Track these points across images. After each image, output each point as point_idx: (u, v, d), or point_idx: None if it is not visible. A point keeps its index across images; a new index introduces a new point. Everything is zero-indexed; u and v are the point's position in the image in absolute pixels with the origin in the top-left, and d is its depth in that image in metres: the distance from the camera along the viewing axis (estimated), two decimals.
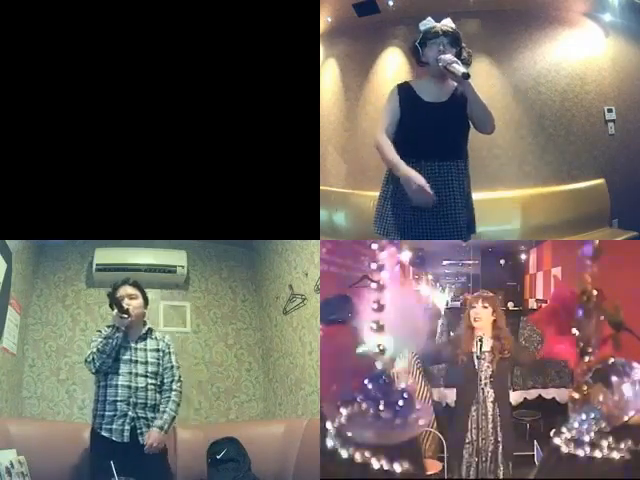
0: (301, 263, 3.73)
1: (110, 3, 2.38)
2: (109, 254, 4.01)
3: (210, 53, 2.43)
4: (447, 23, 2.45)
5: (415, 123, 2.44)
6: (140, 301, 2.75)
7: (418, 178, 2.28)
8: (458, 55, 2.41)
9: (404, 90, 2.49)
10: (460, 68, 2.32)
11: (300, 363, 3.67)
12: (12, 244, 3.25)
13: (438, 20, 2.46)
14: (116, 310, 2.65)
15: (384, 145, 2.40)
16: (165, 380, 2.76)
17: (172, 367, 2.78)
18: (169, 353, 2.80)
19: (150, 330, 2.81)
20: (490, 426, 2.66)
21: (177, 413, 2.77)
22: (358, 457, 1.16)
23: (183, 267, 4.17)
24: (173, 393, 2.75)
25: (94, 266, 3.99)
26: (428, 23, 2.45)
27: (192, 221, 2.48)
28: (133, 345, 2.72)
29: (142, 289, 2.80)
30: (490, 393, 2.69)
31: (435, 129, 2.41)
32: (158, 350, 2.76)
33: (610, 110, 4.22)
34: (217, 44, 2.43)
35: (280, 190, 2.48)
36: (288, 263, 3.94)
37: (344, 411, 1.19)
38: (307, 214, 2.52)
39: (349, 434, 1.18)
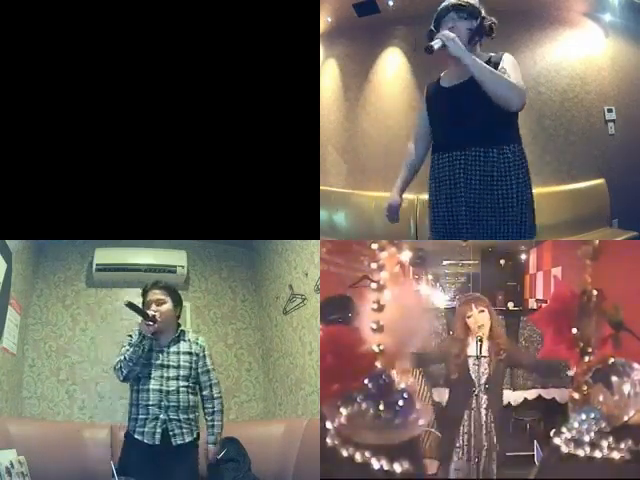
0: (301, 263, 3.73)
1: (110, 3, 2.38)
2: (109, 254, 4.01)
3: (210, 53, 2.43)
4: None
5: (438, 111, 2.34)
6: (169, 306, 2.67)
7: (387, 204, 2.45)
8: (476, 26, 2.18)
9: (430, 86, 2.42)
10: (435, 43, 2.10)
11: (300, 363, 3.67)
12: (12, 244, 3.25)
13: None
14: (141, 318, 2.58)
15: (405, 159, 2.49)
16: (203, 385, 2.71)
17: (208, 371, 2.72)
18: (204, 356, 2.72)
19: (183, 332, 2.73)
20: (483, 432, 2.65)
21: (223, 420, 2.75)
22: (358, 457, 1.16)
23: (183, 267, 4.16)
24: (216, 402, 2.71)
25: (94, 266, 3.98)
26: (442, 4, 2.26)
27: (192, 221, 2.48)
28: (165, 349, 2.65)
29: (172, 291, 2.72)
30: (484, 399, 2.68)
31: (457, 113, 2.22)
32: (191, 353, 2.69)
33: (610, 110, 4.23)
34: (217, 44, 2.43)
35: (280, 190, 2.48)
36: (288, 263, 3.94)
37: (344, 411, 1.19)
38: (307, 214, 2.52)
39: (349, 434, 1.18)
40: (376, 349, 1.24)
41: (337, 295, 2.55)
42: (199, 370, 2.70)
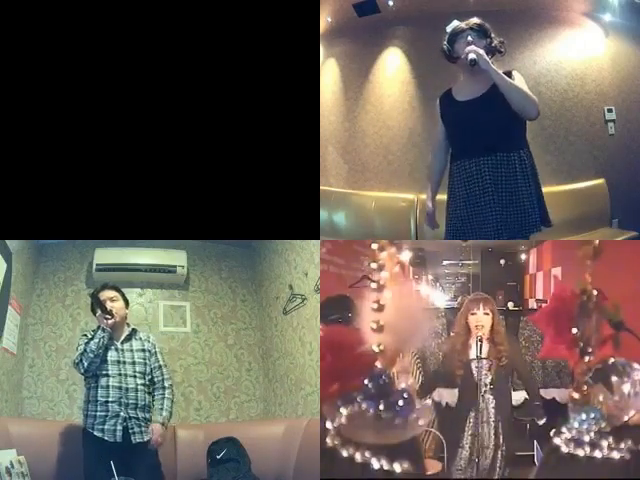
0: (301, 263, 3.73)
1: (110, 3, 2.38)
2: (109, 254, 4.01)
3: (210, 53, 2.43)
4: (473, 20, 2.47)
5: (453, 125, 2.52)
6: (121, 303, 2.82)
7: (426, 208, 2.68)
8: (489, 44, 2.41)
9: (443, 98, 2.57)
10: (470, 55, 2.33)
11: (300, 363, 3.67)
12: (12, 244, 3.25)
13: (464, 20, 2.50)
14: (99, 311, 2.72)
15: (429, 172, 2.70)
16: (155, 379, 2.83)
17: (160, 366, 2.86)
18: (155, 353, 2.87)
19: (134, 331, 2.87)
20: (492, 432, 2.66)
21: (172, 410, 2.87)
22: (358, 457, 1.16)
23: (183, 267, 4.16)
24: (167, 391, 2.84)
25: (94, 266, 3.98)
26: (453, 24, 2.48)
27: (192, 221, 2.48)
28: (119, 346, 2.77)
29: (121, 291, 2.86)
30: (490, 399, 2.69)
31: (472, 126, 2.42)
32: (144, 350, 2.83)
33: (610, 110, 4.22)
34: (217, 44, 2.43)
35: (280, 190, 2.48)
36: (288, 263, 3.94)
37: (344, 411, 1.19)
38: (307, 214, 2.52)
39: (349, 434, 1.18)
40: (376, 349, 1.24)
41: (337, 295, 2.55)
42: (152, 366, 2.83)
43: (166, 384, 2.86)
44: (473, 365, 2.70)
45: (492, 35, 2.44)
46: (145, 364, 2.80)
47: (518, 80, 2.41)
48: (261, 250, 4.46)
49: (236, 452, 3.05)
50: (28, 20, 2.37)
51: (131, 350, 2.79)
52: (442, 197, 2.64)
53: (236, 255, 4.59)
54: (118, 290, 2.85)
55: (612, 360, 1.38)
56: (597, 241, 1.43)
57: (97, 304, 2.73)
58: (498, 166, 2.39)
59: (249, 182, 2.48)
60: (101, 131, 2.41)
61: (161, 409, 2.80)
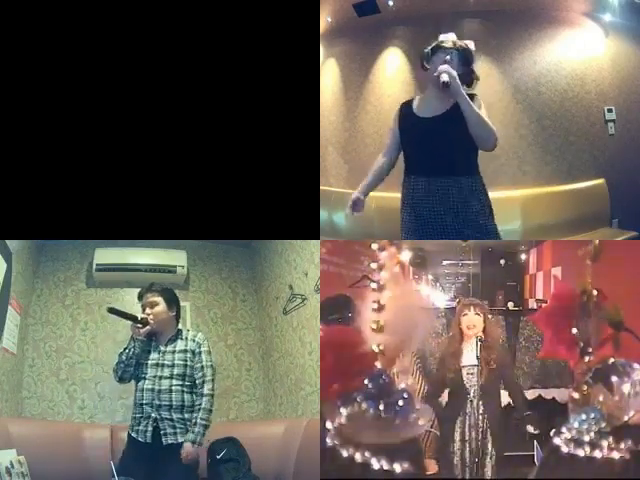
0: (301, 263, 3.74)
1: (110, 3, 2.38)
2: (109, 254, 4.01)
3: (210, 53, 2.43)
4: (465, 42, 2.41)
5: (408, 140, 2.47)
6: (161, 307, 2.68)
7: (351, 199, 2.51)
8: (465, 74, 2.36)
9: (404, 108, 2.51)
10: (443, 77, 2.26)
11: (300, 363, 3.67)
12: (12, 244, 3.25)
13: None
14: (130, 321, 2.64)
15: (374, 167, 2.60)
16: (196, 382, 2.67)
17: (202, 367, 2.67)
18: (200, 352, 2.69)
19: (179, 331, 2.74)
20: (480, 437, 2.67)
21: (210, 421, 2.65)
22: (358, 457, 1.16)
23: (183, 267, 4.17)
24: (204, 399, 2.63)
25: (94, 266, 3.99)
26: (448, 36, 2.41)
27: (192, 221, 2.48)
28: (162, 348, 2.68)
29: (166, 293, 2.73)
30: (479, 405, 2.69)
31: (430, 143, 2.38)
32: (186, 351, 2.68)
33: (610, 110, 4.22)
34: (217, 44, 2.43)
35: (280, 190, 2.48)
36: (288, 263, 3.94)
37: (344, 411, 1.19)
38: (307, 214, 2.52)
39: (349, 434, 1.18)
40: (376, 349, 1.24)
41: (337, 295, 2.55)
42: (194, 366, 2.68)
43: (205, 390, 2.63)
44: (464, 370, 2.72)
45: (472, 68, 2.41)
46: (186, 365, 2.66)
47: (481, 106, 2.37)
48: (261, 250, 4.46)
49: (236, 452, 3.04)
50: (28, 20, 2.37)
51: (173, 352, 2.67)
52: (370, 194, 2.65)
53: (236, 255, 4.59)
54: (160, 292, 2.70)
55: (612, 360, 1.38)
56: (597, 241, 1.43)
57: (120, 315, 2.65)
58: (449, 188, 2.36)
59: (249, 182, 2.48)
60: (101, 131, 2.41)
61: (194, 424, 2.58)
